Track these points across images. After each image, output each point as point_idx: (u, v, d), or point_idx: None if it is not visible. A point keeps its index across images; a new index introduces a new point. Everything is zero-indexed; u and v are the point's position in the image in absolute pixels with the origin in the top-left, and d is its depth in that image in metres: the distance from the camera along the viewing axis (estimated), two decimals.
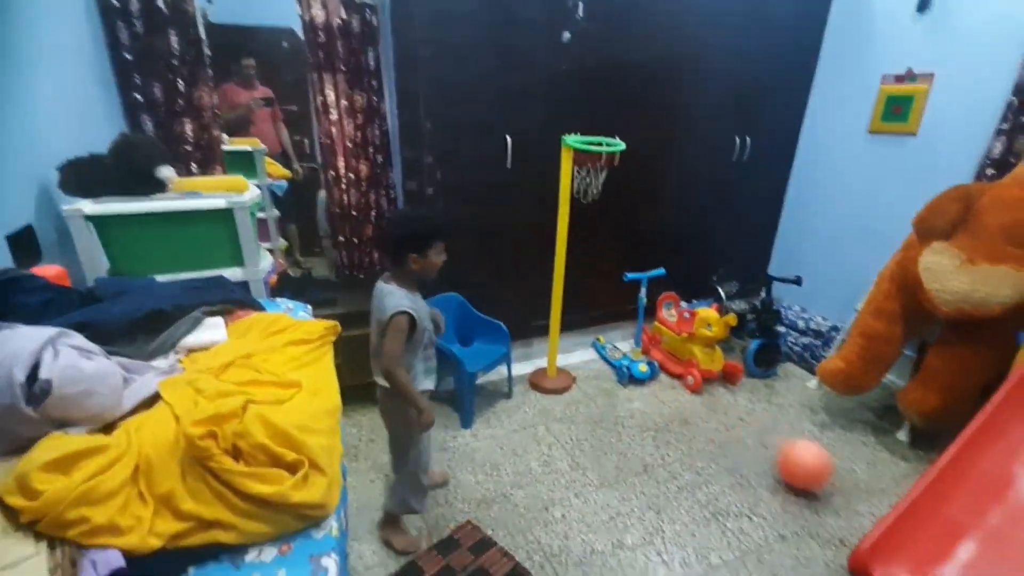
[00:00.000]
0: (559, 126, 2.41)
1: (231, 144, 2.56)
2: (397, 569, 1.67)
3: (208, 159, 2.24)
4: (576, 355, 3.14)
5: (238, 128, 2.93)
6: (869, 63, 2.88)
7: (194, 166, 2.20)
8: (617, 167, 2.33)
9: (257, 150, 2.60)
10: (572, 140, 2.27)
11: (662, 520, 1.92)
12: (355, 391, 2.45)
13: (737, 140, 3.06)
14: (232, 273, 1.57)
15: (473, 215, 2.53)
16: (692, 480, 2.13)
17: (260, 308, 1.30)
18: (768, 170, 3.31)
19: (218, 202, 1.54)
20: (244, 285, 1.59)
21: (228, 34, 3.07)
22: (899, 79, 2.77)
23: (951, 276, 2.08)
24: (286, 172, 2.92)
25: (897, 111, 2.79)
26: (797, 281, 2.97)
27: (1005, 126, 2.34)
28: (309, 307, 1.51)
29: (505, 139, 2.41)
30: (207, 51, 2.15)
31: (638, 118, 2.73)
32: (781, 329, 3.19)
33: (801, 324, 3.18)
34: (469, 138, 2.37)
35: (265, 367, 0.94)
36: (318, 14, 2.22)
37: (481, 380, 2.77)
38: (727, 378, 2.89)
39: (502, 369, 2.68)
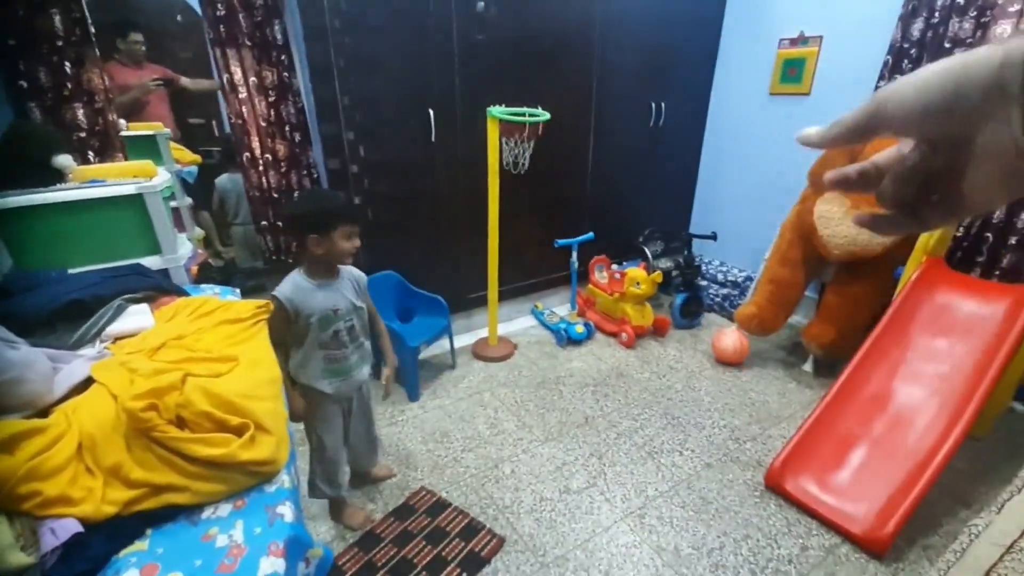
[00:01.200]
0: (481, 97, 2.43)
1: (130, 129, 2.37)
2: (355, 540, 1.71)
3: (106, 146, 2.08)
4: (516, 323, 3.24)
5: (130, 113, 2.70)
6: (767, 28, 3.10)
7: (91, 154, 2.04)
8: (542, 136, 2.39)
9: (160, 134, 2.43)
10: (498, 111, 2.30)
11: (604, 464, 2.07)
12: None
13: (652, 106, 3.21)
14: (150, 262, 1.50)
15: (402, 191, 2.52)
16: (629, 426, 2.30)
17: (185, 294, 1.26)
18: (682, 134, 3.51)
19: (126, 189, 1.46)
20: (164, 273, 1.52)
21: (112, 9, 2.80)
22: (793, 42, 3.00)
23: (840, 222, 2.34)
24: (195, 157, 2.74)
25: (792, 73, 3.04)
26: (713, 236, 3.20)
27: (882, 83, 2.62)
28: (237, 290, 1.48)
29: (428, 112, 2.40)
30: (92, 29, 1.97)
31: (558, 87, 2.80)
32: (703, 282, 3.44)
33: (720, 277, 3.45)
34: (391, 112, 2.35)
35: (198, 346, 0.94)
36: None
37: (425, 354, 2.81)
38: (657, 331, 3.10)
39: (445, 342, 2.73)
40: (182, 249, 1.61)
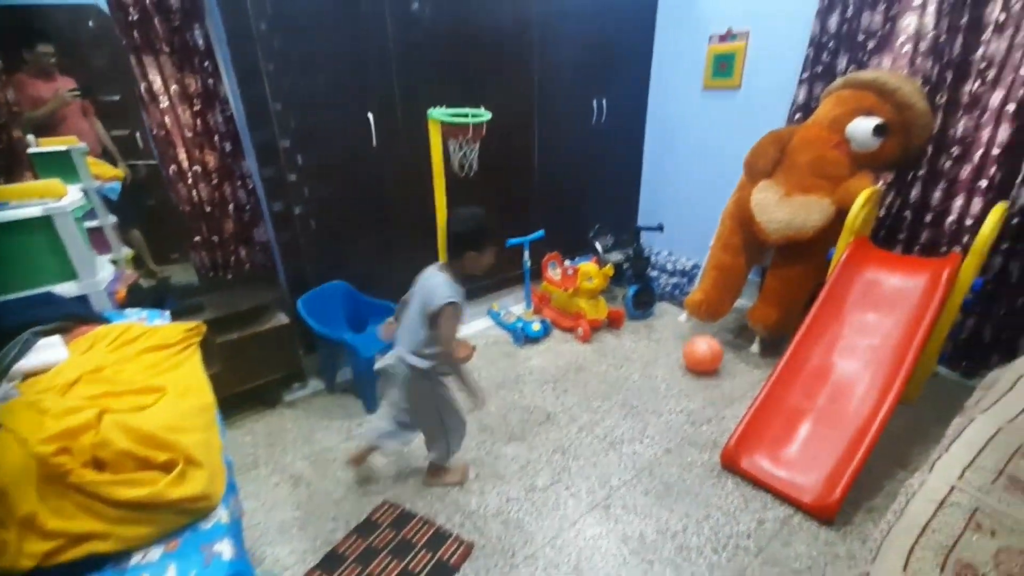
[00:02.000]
0: (422, 99, 2.39)
1: (40, 145, 2.18)
2: (317, 562, 1.64)
3: (12, 165, 1.91)
4: (473, 325, 3.21)
5: (47, 128, 2.49)
6: (697, 24, 3.21)
7: None
8: (487, 136, 2.37)
9: (75, 149, 2.25)
10: (438, 113, 2.27)
11: (567, 459, 2.08)
12: (242, 398, 2.32)
13: (594, 103, 3.26)
14: (65, 288, 1.38)
15: (345, 198, 2.45)
16: (590, 419, 2.32)
17: (105, 321, 1.17)
18: (625, 130, 3.58)
19: (32, 211, 1.33)
20: (83, 300, 1.40)
21: (17, 17, 2.57)
22: (722, 38, 3.12)
23: (775, 208, 2.45)
24: (118, 172, 2.56)
25: (723, 68, 3.15)
26: (659, 228, 3.28)
27: (806, 75, 2.76)
28: (167, 313, 1.38)
29: (367, 116, 2.34)
30: None
31: (500, 87, 2.80)
32: (653, 273, 3.53)
33: (669, 266, 3.54)
34: (328, 117, 2.27)
35: (119, 378, 0.86)
36: None
37: (382, 363, 2.73)
38: (612, 324, 3.15)
39: None
40: (102, 272, 1.49)
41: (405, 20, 2.35)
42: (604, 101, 3.29)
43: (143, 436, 0.72)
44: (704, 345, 2.62)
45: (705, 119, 3.33)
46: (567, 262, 3.23)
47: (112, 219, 2.48)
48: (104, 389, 0.82)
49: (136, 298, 2.05)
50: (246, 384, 2.27)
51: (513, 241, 2.93)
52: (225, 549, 0.69)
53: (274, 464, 2.08)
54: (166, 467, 0.72)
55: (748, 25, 2.98)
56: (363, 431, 2.09)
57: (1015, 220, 2.18)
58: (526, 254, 3.00)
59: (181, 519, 0.71)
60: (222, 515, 0.73)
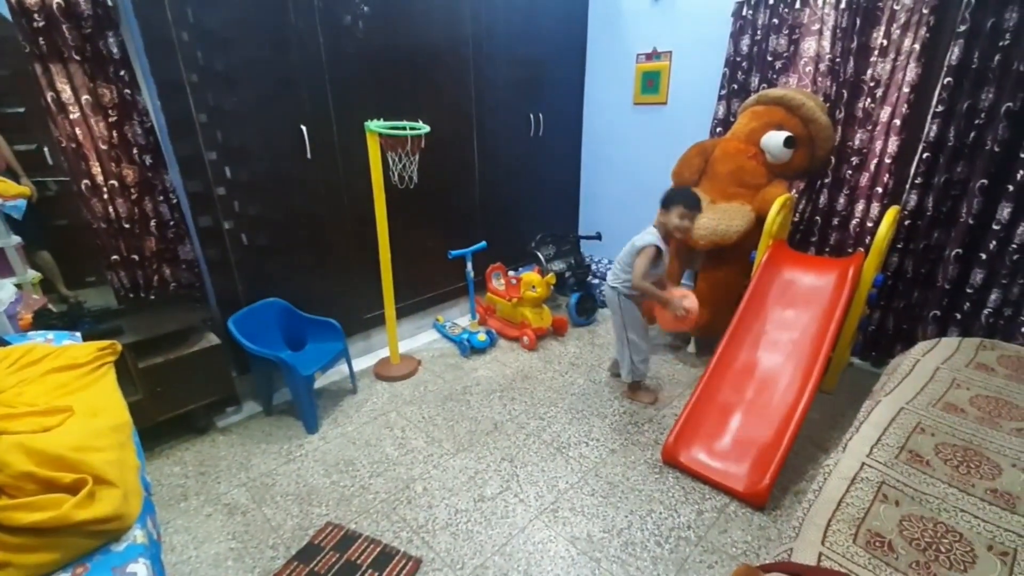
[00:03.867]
0: (358, 112, 2.38)
1: None
2: None
3: None
4: (419, 338, 3.18)
5: None
6: (624, 45, 3.38)
7: None
8: (426, 149, 2.38)
9: None
10: (375, 125, 2.26)
11: (515, 466, 2.09)
12: (169, 426, 2.18)
13: (531, 117, 3.35)
14: None
15: (279, 212, 2.37)
16: (537, 425, 2.35)
17: (3, 343, 1.07)
18: (562, 142, 3.70)
19: None
20: None
21: None
22: (648, 57, 3.30)
23: (701, 215, 2.59)
24: (23, 189, 2.36)
25: (651, 85, 3.34)
26: (598, 236, 3.40)
27: (724, 92, 2.96)
28: (77, 334, 1.29)
29: (300, 128, 2.30)
30: None
31: (438, 101, 2.82)
32: (594, 281, 3.63)
33: None
34: (258, 130, 2.20)
35: (20, 400, 0.79)
36: None
37: (322, 382, 2.66)
38: (556, 331, 3.21)
39: (343, 367, 2.60)
40: (1, 293, 1.37)
41: (338, 33, 2.33)
42: (541, 115, 3.39)
43: (47, 458, 0.66)
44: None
45: (636, 132, 3.50)
46: (510, 272, 3.28)
47: (16, 239, 2.29)
48: (2, 412, 0.75)
49: (44, 323, 1.89)
50: (173, 410, 2.13)
51: (455, 253, 2.94)
52: (140, 570, 0.64)
53: (206, 494, 1.96)
54: (72, 488, 0.66)
55: (671, 46, 3.18)
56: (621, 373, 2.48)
57: (907, 222, 2.42)
58: (469, 265, 3.01)
59: (91, 542, 0.66)
60: (137, 535, 0.68)
